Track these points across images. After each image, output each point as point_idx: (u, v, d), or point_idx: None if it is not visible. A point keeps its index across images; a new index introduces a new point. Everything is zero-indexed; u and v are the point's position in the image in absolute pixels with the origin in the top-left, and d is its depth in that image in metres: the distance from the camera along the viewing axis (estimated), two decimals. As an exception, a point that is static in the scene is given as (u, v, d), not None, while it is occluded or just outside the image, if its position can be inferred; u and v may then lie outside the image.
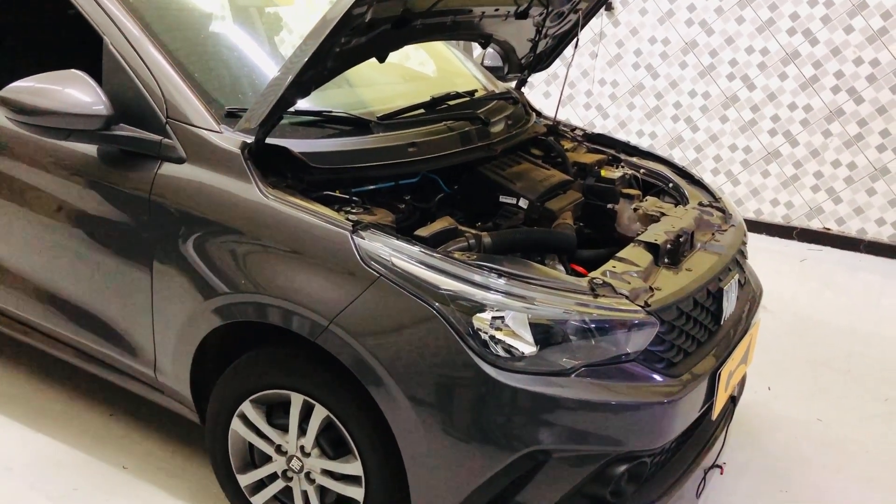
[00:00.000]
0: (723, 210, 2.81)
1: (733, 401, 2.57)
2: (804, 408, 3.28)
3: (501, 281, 1.96)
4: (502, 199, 2.57)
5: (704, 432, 2.44)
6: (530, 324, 1.94)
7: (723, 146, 5.53)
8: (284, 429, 2.22)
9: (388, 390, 1.96)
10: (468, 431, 1.93)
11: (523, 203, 2.54)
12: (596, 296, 2.01)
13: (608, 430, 1.98)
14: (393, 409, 1.97)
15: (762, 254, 4.16)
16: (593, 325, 1.97)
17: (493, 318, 1.93)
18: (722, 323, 2.39)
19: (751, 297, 2.68)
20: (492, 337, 1.92)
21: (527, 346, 1.93)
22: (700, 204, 2.80)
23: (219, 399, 2.30)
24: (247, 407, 2.25)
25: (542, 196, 2.56)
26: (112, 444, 2.78)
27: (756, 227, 5.39)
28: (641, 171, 3.06)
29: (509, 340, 1.93)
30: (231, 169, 2.18)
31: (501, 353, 1.93)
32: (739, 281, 2.55)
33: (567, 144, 3.17)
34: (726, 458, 2.78)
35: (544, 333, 1.95)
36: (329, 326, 1.99)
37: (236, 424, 2.29)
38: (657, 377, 2.06)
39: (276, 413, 2.26)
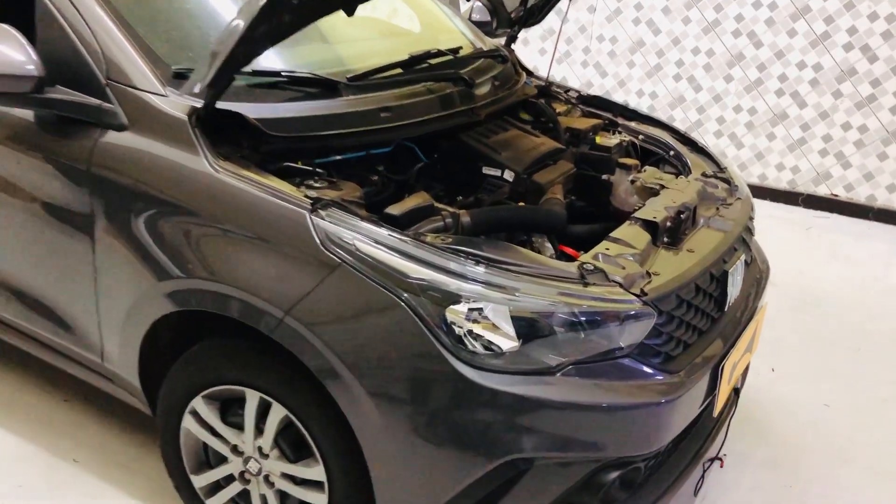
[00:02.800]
0: (728, 181, 2.57)
1: (736, 392, 2.36)
2: (810, 391, 3.08)
3: (479, 268, 1.73)
4: (486, 170, 2.33)
5: (704, 427, 2.23)
6: (512, 317, 1.71)
7: (727, 107, 5.26)
8: (241, 427, 2.01)
9: (349, 390, 1.74)
10: (440, 437, 1.72)
11: (508, 175, 2.30)
12: (586, 284, 1.79)
13: (598, 434, 1.77)
14: (355, 410, 1.76)
15: (766, 221, 3.91)
16: (583, 318, 1.74)
17: (470, 309, 1.70)
18: (726, 309, 2.16)
19: (757, 277, 2.46)
20: (469, 331, 1.70)
21: (507, 342, 1.71)
22: (703, 174, 2.56)
23: (169, 393, 2.09)
24: (198, 403, 2.03)
25: (529, 167, 2.32)
26: (63, 433, 2.58)
27: (760, 192, 5.15)
28: (640, 137, 2.81)
29: (488, 335, 1.71)
30: (177, 138, 1.94)
31: (479, 348, 1.70)
32: (745, 260, 2.32)
33: (560, 107, 2.92)
34: (727, 448, 2.58)
35: (528, 327, 1.72)
36: (284, 319, 1.77)
37: (188, 421, 2.07)
38: (654, 374, 1.84)
39: (231, 409, 2.05)
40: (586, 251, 2.28)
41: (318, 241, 1.76)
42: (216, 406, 2.04)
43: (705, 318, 2.06)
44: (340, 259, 1.74)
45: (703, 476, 2.44)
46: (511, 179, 2.30)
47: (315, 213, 1.79)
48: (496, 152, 2.34)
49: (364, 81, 2.25)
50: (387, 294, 1.70)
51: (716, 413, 2.14)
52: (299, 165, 2.04)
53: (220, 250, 1.86)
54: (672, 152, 2.74)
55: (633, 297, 1.80)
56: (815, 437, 2.80)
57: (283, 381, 1.89)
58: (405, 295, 1.70)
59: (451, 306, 1.70)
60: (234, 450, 2.04)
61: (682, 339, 1.96)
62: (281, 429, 1.95)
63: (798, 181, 5.13)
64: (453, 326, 1.70)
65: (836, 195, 5.01)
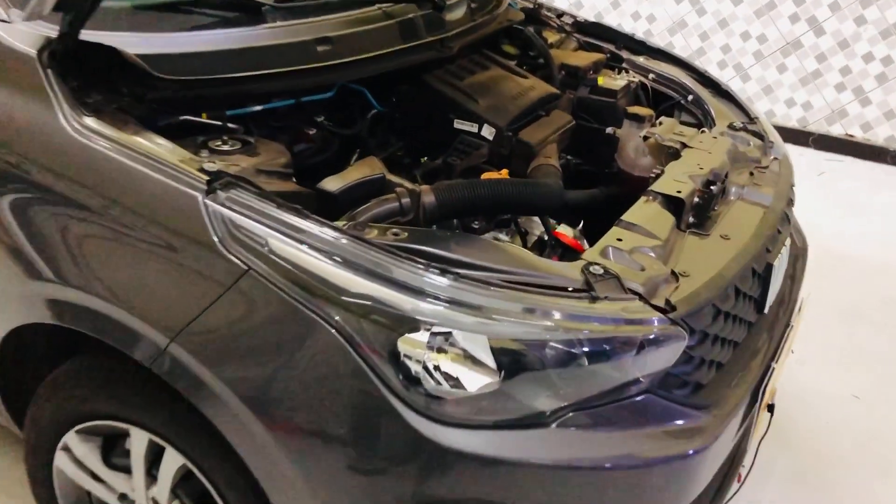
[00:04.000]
0: (761, 135, 2.05)
1: (770, 409, 1.90)
2: (837, 378, 2.64)
3: (444, 280, 1.21)
4: (458, 124, 1.80)
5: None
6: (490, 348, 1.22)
7: (733, 33, 4.69)
8: (129, 471, 1.51)
9: (259, 446, 1.25)
10: (384, 514, 1.24)
11: (488, 132, 1.77)
12: (594, 299, 1.28)
13: (607, 502, 1.30)
14: (269, 471, 1.28)
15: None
16: (587, 349, 1.24)
17: (434, 334, 1.20)
18: (766, 311, 1.68)
19: (794, 258, 1.98)
20: (435, 367, 1.19)
21: (482, 378, 1.21)
22: (731, 127, 2.04)
23: (34, 423, 1.58)
24: (72, 438, 1.53)
25: (515, 121, 1.80)
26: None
27: (766, 131, 4.62)
28: (651, 76, 2.28)
29: (457, 371, 1.21)
30: (23, 82, 1.39)
31: (445, 386, 1.20)
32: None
33: (552, 37, 2.37)
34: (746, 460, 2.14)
35: (512, 361, 1.22)
36: (168, 347, 1.25)
37: (61, 460, 1.57)
38: (680, 413, 1.37)
39: (117, 447, 1.55)
40: (585, 225, 1.78)
41: (215, 238, 1.23)
42: (96, 443, 1.54)
43: (742, 326, 1.58)
44: (247, 264, 1.22)
45: (719, 500, 2.00)
46: (491, 138, 1.77)
47: (212, 194, 1.25)
48: (472, 100, 1.81)
49: (296, 3, 1.70)
50: (311, 316, 1.19)
51: (751, 445, 1.68)
52: (203, 119, 1.52)
53: (81, 246, 1.33)
54: (690, 97, 2.21)
55: (657, 315, 1.31)
56: (846, 440, 2.37)
57: (178, 420, 1.38)
58: (337, 318, 1.19)
59: (407, 335, 1.19)
60: (123, 498, 1.56)
61: (716, 361, 1.48)
62: (181, 478, 1.46)
63: (809, 119, 4.61)
64: (406, 361, 1.19)
65: (852, 136, 4.51)
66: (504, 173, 1.71)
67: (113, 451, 1.55)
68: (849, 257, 3.42)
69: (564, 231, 1.70)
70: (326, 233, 1.23)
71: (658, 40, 4.83)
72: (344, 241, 1.23)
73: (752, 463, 1.92)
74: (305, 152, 1.73)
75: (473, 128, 1.78)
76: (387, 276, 1.20)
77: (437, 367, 1.20)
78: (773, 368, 1.61)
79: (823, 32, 4.42)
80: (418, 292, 1.20)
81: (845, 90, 4.46)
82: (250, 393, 1.22)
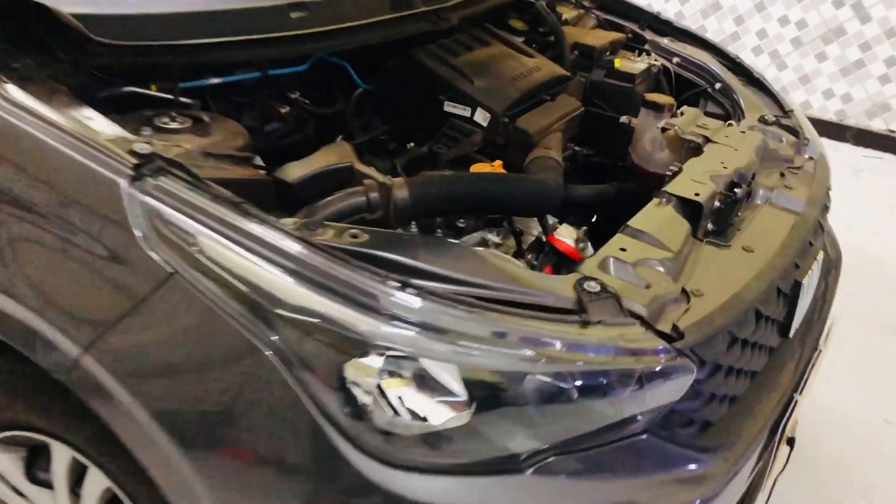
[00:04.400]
0: (795, 131, 1.83)
1: (790, 443, 1.69)
2: (867, 399, 2.42)
3: (407, 297, 1.01)
4: (448, 107, 1.59)
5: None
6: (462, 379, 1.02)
7: (770, 18, 4.43)
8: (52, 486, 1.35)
9: (179, 476, 1.07)
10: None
11: (481, 117, 1.56)
12: (585, 323, 1.07)
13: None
14: (185, 500, 1.09)
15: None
16: (576, 383, 1.04)
17: (390, 357, 1.00)
18: (791, 335, 1.47)
19: (825, 271, 1.76)
20: (398, 398, 1.00)
21: (446, 411, 1.02)
22: (762, 120, 1.82)
23: (-48, 429, 1.41)
24: (-9, 449, 1.36)
25: (513, 105, 1.59)
26: None
27: (801, 123, 4.36)
28: (675, 60, 2.06)
29: (418, 401, 1.01)
30: (-64, 42, 1.20)
31: (403, 419, 1.01)
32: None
33: (567, 13, 2.16)
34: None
35: (486, 396, 1.03)
36: (81, 359, 1.07)
37: (-19, 471, 1.41)
38: (684, 458, 1.17)
39: (41, 460, 1.37)
40: (595, 224, 1.58)
41: (137, 234, 1.04)
42: (20, 455, 1.37)
43: (763, 353, 1.37)
44: (172, 266, 1.03)
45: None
46: (485, 123, 1.56)
47: (138, 182, 1.06)
48: (466, 80, 1.61)
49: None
50: (242, 332, 1.00)
51: (767, 484, 1.48)
52: (153, 92, 1.33)
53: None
54: (718, 85, 2.00)
55: (662, 344, 1.10)
56: (878, 471, 2.15)
57: (101, 437, 1.20)
58: (273, 336, 0.99)
59: (357, 359, 1.00)
60: (48, 516, 1.39)
61: (729, 395, 1.27)
62: (108, 500, 1.29)
63: (848, 112, 4.34)
64: (353, 389, 1.00)
65: (893, 131, 4.23)
66: (497, 165, 1.51)
67: (37, 463, 1.38)
68: (886, 263, 3.18)
69: (565, 233, 1.50)
70: (268, 233, 1.03)
71: (690, 23, 4.59)
72: (289, 243, 1.03)
73: (767, 501, 1.72)
74: (277, 133, 1.55)
75: (466, 112, 1.58)
76: (335, 288, 1.00)
77: (399, 398, 1.01)
78: (797, 401, 1.41)
79: (870, 19, 4.15)
80: (373, 310, 1.00)
81: (889, 82, 4.19)
82: (168, 415, 1.04)
